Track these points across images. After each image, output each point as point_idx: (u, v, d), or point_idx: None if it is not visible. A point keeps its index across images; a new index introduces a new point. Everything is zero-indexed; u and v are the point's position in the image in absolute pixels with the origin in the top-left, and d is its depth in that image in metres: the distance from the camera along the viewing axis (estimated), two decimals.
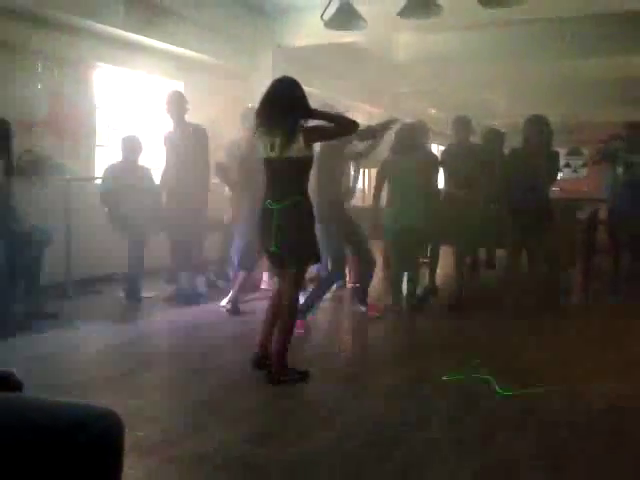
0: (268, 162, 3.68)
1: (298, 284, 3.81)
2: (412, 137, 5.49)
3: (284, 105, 3.57)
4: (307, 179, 3.73)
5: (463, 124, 6.08)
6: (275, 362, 3.70)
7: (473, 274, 7.61)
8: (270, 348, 3.82)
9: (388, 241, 5.80)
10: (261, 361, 3.85)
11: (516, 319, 5.40)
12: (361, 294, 5.54)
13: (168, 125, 5.93)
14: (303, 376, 3.77)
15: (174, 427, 3.10)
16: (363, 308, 5.50)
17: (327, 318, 5.74)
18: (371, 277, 5.49)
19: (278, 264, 3.83)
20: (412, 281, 5.62)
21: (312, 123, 3.71)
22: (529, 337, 4.92)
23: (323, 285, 5.25)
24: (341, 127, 3.79)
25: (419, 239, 5.57)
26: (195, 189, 5.72)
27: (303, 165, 3.65)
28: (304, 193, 3.68)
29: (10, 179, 4.78)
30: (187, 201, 5.69)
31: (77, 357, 4.26)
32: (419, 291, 6.15)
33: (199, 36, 7.19)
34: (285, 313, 3.74)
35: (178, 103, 5.79)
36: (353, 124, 3.78)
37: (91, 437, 1.41)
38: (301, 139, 3.53)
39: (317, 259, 3.83)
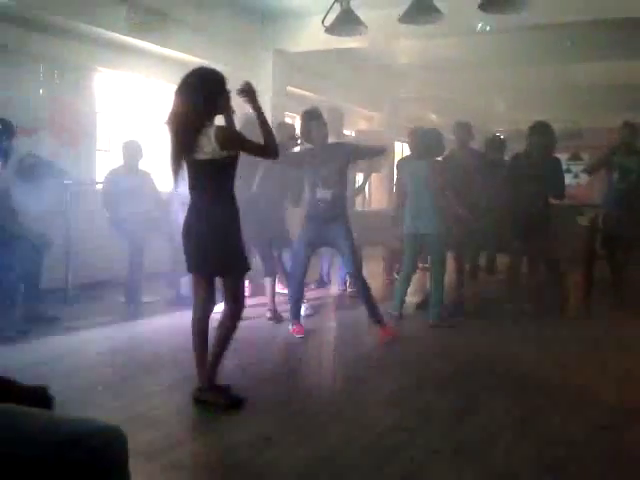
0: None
1: (236, 298, 3.47)
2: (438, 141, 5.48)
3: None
4: (227, 182, 3.34)
5: (464, 129, 6.09)
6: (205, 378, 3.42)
7: (472, 280, 7.62)
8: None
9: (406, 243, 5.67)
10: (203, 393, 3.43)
11: (516, 325, 5.40)
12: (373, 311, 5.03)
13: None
14: (233, 403, 3.37)
15: (176, 432, 3.10)
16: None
17: (326, 322, 5.73)
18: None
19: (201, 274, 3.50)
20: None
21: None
22: (529, 344, 4.91)
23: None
24: (263, 148, 3.39)
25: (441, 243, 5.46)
26: None
27: (216, 167, 3.27)
28: (223, 197, 3.33)
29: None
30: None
31: (77, 362, 4.24)
32: (417, 299, 6.15)
33: (199, 41, 7.19)
34: (223, 331, 3.44)
35: None
36: (274, 153, 3.39)
37: (86, 453, 1.38)
38: (213, 139, 3.17)
39: (245, 268, 3.47)
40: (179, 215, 5.72)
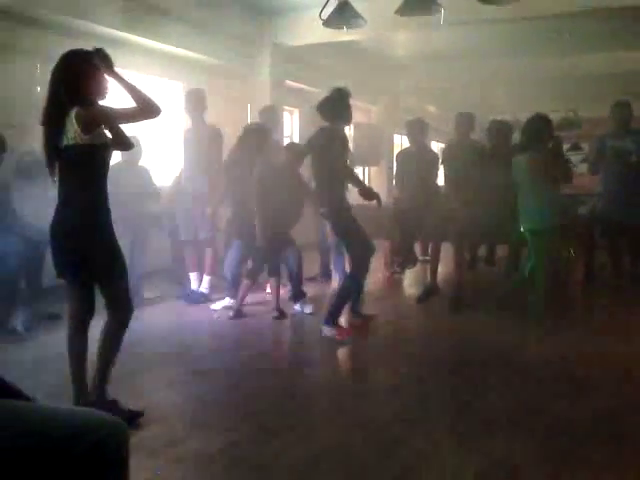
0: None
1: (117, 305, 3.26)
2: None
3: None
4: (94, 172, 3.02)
5: (465, 120, 6.07)
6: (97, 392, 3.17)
7: (471, 271, 7.62)
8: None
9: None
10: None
11: (517, 315, 5.40)
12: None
13: (185, 123, 6.01)
14: (130, 416, 3.00)
15: (178, 428, 3.11)
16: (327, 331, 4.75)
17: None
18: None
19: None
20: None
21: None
22: (531, 333, 4.92)
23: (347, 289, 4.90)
24: (136, 109, 2.96)
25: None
26: (209, 189, 5.81)
27: (81, 154, 2.94)
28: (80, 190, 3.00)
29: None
30: (201, 201, 5.75)
31: None
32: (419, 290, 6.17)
33: (197, 36, 7.19)
34: (108, 340, 3.29)
35: (197, 101, 5.82)
36: (151, 108, 2.98)
37: (88, 446, 1.39)
38: (74, 121, 2.87)
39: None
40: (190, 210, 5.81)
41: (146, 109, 2.98)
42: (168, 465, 2.68)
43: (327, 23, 5.54)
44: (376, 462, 2.72)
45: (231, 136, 5.89)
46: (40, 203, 4.96)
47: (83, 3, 5.82)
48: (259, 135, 5.57)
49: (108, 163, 3.11)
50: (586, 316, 5.46)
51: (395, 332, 5.20)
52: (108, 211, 3.09)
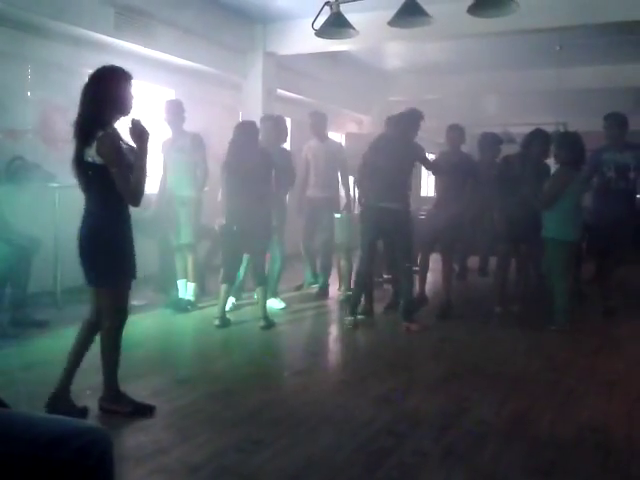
0: None
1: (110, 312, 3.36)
2: None
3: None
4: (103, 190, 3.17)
5: (456, 132, 6.10)
6: (106, 387, 3.43)
7: (462, 281, 7.64)
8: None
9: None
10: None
11: (505, 327, 5.42)
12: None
13: (166, 133, 5.99)
14: (142, 410, 3.36)
15: (164, 436, 3.09)
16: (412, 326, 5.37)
17: (316, 325, 5.73)
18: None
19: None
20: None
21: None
22: (518, 345, 4.93)
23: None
24: (126, 188, 3.11)
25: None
26: (193, 196, 5.85)
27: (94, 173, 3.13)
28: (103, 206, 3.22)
29: None
30: (185, 209, 5.75)
31: None
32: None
33: (189, 43, 7.18)
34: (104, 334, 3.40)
35: (176, 111, 5.85)
36: (134, 200, 3.15)
37: (71, 452, 1.38)
38: (94, 145, 3.07)
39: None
40: (180, 216, 5.78)
41: (130, 194, 3.13)
42: (153, 474, 2.65)
43: (319, 33, 5.56)
44: (364, 474, 2.71)
45: (223, 143, 5.88)
46: (28, 209, 4.95)
47: (76, 8, 5.80)
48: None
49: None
50: (573, 328, 5.46)
51: (384, 341, 5.20)
52: (126, 221, 3.27)
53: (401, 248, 5.29)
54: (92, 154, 3.06)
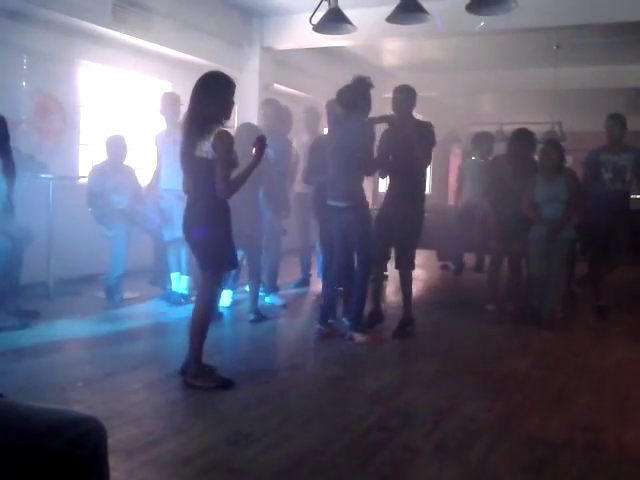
0: None
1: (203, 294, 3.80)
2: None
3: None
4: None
5: (403, 94, 5.95)
6: (192, 365, 3.68)
7: (456, 278, 7.67)
8: None
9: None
10: None
11: (497, 324, 5.44)
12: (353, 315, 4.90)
13: (160, 126, 5.94)
14: (224, 384, 3.64)
15: (156, 429, 3.08)
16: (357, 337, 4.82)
17: (310, 320, 5.73)
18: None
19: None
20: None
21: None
22: (510, 343, 4.95)
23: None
24: (224, 182, 3.49)
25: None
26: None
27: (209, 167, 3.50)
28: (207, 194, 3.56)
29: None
30: (179, 202, 5.71)
31: (58, 358, 4.20)
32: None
33: (186, 36, 7.16)
34: (194, 318, 3.78)
35: (173, 104, 5.79)
36: (224, 193, 3.52)
37: (65, 442, 1.38)
38: (212, 139, 3.44)
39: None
40: (174, 210, 5.71)
41: (223, 188, 3.47)
42: (144, 467, 2.65)
43: (317, 28, 5.55)
44: (355, 469, 2.71)
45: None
46: (21, 200, 4.92)
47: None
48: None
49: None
50: (565, 327, 5.49)
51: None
52: (219, 210, 3.58)
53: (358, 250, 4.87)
54: (206, 148, 3.41)
